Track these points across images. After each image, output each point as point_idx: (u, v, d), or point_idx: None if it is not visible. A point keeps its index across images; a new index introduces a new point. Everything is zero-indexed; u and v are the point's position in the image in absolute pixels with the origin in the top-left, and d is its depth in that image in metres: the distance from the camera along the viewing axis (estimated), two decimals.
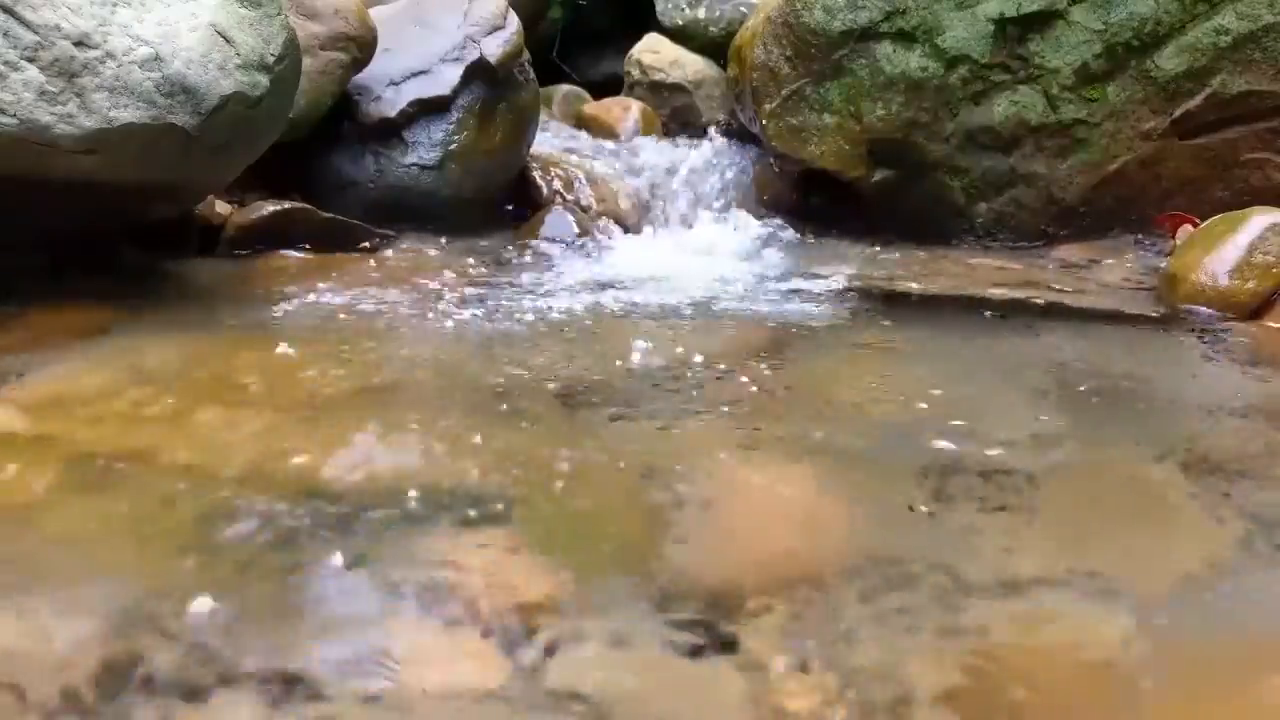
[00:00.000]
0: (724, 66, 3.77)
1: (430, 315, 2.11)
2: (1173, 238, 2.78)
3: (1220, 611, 1.11)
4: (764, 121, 3.15)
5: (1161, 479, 1.44)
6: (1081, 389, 1.79)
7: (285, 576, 1.09)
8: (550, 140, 3.60)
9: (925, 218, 3.07)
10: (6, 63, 1.77)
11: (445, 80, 3.01)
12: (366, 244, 2.71)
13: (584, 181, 3.26)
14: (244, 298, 2.17)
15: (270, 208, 2.59)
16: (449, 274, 2.48)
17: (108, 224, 2.25)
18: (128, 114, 1.85)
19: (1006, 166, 2.99)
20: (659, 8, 4.50)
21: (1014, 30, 2.90)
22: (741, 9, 4.27)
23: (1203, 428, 1.63)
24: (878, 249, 2.98)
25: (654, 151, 3.60)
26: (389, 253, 2.67)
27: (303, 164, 2.91)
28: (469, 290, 2.35)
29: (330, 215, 2.67)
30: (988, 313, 2.32)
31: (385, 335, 1.96)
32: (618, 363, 1.83)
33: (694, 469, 1.41)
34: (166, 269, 2.35)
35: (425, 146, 2.97)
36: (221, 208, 2.62)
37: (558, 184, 3.26)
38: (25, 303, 1.93)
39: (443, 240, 2.82)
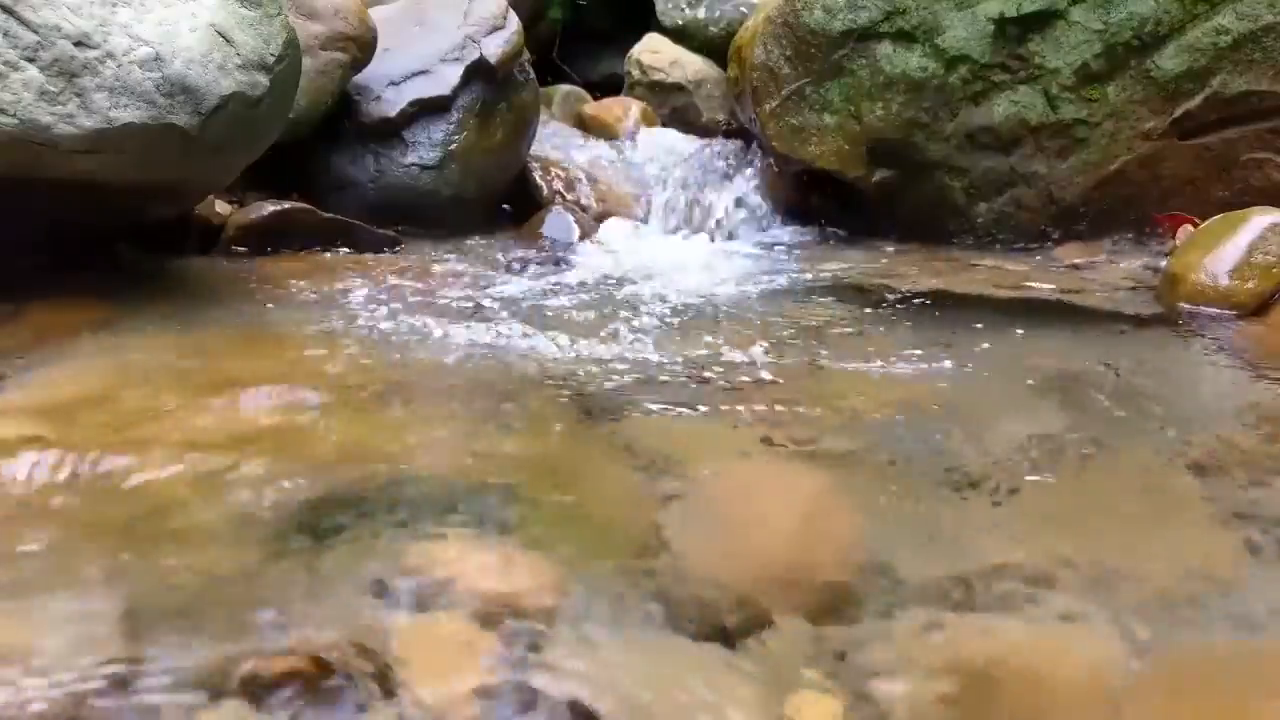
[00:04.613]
0: (724, 66, 3.77)
1: (430, 315, 2.11)
2: (1173, 238, 2.78)
3: (1217, 612, 1.11)
4: (764, 122, 3.15)
5: (1163, 478, 1.44)
6: (1082, 389, 1.79)
7: (284, 574, 1.09)
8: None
9: (925, 218, 3.07)
10: (6, 63, 1.77)
11: (445, 80, 3.01)
12: (366, 244, 2.71)
13: (584, 181, 3.26)
14: (243, 298, 2.17)
15: (270, 208, 2.59)
16: (448, 273, 2.48)
17: (107, 224, 2.25)
18: (128, 114, 1.85)
19: (1006, 166, 2.99)
20: (659, 8, 4.51)
21: (1014, 30, 2.90)
22: (741, 9, 4.27)
23: (1204, 427, 1.63)
24: (878, 249, 2.98)
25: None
26: (389, 253, 2.67)
27: (303, 164, 2.91)
28: (469, 290, 2.34)
29: (330, 215, 2.67)
30: (988, 312, 2.31)
31: (385, 335, 1.95)
32: (621, 363, 1.83)
33: (696, 468, 1.41)
34: (166, 269, 2.35)
35: (425, 146, 2.97)
36: (221, 208, 2.62)
37: (558, 184, 3.26)
38: (25, 302, 1.93)
39: (443, 240, 2.82)
